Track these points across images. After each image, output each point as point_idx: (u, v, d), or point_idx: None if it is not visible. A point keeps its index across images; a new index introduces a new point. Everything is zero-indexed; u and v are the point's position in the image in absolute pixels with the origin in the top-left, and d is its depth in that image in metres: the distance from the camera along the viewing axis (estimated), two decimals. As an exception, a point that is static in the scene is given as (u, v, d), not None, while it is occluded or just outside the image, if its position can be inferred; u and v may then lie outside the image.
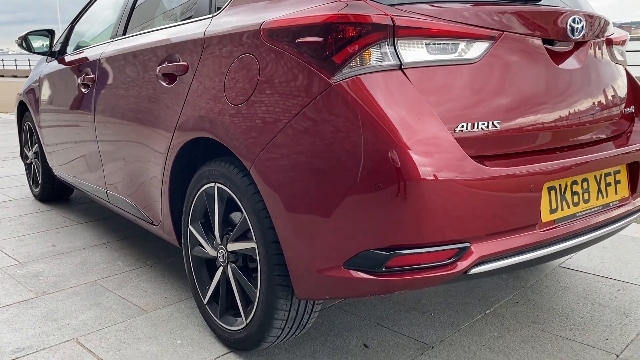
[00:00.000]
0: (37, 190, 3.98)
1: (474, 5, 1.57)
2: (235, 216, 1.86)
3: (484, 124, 1.52)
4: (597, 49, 1.87)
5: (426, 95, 1.46)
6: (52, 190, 3.86)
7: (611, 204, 1.83)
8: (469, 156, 1.45)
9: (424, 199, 1.38)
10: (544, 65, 1.67)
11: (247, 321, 1.78)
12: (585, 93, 1.79)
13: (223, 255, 1.87)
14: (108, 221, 3.48)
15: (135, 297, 2.36)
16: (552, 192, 1.64)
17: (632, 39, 2.18)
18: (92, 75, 2.73)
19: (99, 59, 2.68)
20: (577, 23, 1.70)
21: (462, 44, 1.52)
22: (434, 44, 1.49)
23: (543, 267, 2.61)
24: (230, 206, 1.84)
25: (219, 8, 1.94)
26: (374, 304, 2.25)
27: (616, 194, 1.85)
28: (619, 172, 1.87)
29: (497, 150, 1.56)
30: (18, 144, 6.63)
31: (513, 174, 1.50)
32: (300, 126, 1.50)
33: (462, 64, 1.52)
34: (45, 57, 3.65)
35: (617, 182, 1.86)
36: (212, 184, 1.86)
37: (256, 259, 1.71)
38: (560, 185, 1.66)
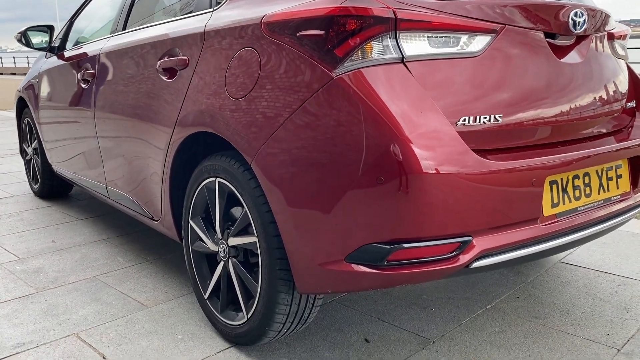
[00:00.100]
0: (36, 186, 3.97)
1: (475, -1, 1.57)
2: (236, 211, 1.86)
3: (485, 118, 1.52)
4: (598, 43, 1.87)
5: (428, 88, 1.45)
6: (51, 187, 3.85)
7: (612, 198, 1.83)
8: (471, 150, 1.44)
9: (426, 193, 1.38)
10: (546, 59, 1.66)
11: (248, 316, 1.77)
12: (587, 87, 1.78)
13: (224, 249, 1.87)
14: (108, 217, 3.47)
15: (136, 292, 2.35)
16: (554, 186, 1.63)
17: (631, 37, 2.18)
18: (92, 71, 2.72)
19: (99, 54, 2.67)
20: (579, 17, 1.70)
21: (464, 38, 1.52)
22: (436, 37, 1.49)
23: (543, 262, 2.61)
24: (231, 201, 1.84)
25: (219, 2, 1.93)
26: (375, 298, 2.25)
27: (617, 188, 1.85)
28: (620, 166, 1.87)
29: (499, 144, 1.56)
30: (17, 141, 6.63)
31: (515, 167, 1.50)
32: (302, 120, 1.50)
33: (464, 58, 1.52)
34: (44, 52, 3.63)
35: (619, 176, 1.86)
36: (213, 179, 1.86)
37: (257, 254, 1.71)
38: (562, 179, 1.65)
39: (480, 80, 1.53)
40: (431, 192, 1.38)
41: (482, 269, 1.53)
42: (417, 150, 1.37)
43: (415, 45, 1.46)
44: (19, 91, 4.00)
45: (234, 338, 1.87)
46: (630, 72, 2.07)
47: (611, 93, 1.88)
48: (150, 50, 2.21)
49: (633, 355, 1.82)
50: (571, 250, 2.73)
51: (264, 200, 1.64)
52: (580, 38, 1.78)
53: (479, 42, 1.54)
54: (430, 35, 1.48)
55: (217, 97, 1.77)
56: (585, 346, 1.88)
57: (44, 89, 3.50)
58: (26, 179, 4.30)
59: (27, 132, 4.03)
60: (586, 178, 1.74)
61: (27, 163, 4.12)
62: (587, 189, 1.74)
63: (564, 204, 1.67)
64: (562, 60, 1.71)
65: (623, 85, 1.96)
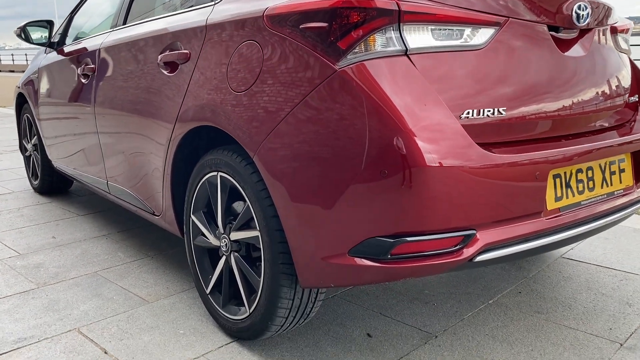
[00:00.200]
0: (36, 182, 3.96)
1: (479, -9, 1.56)
2: (238, 205, 1.85)
3: (489, 111, 1.51)
4: (601, 36, 1.86)
5: (431, 81, 1.45)
6: (51, 183, 3.85)
7: (615, 192, 1.82)
8: (476, 143, 1.44)
9: (429, 186, 1.37)
10: (550, 52, 1.66)
11: (251, 310, 1.77)
12: (591, 81, 1.77)
13: (226, 244, 1.86)
14: (108, 213, 3.46)
15: (137, 287, 2.35)
16: (557, 180, 1.63)
17: (632, 34, 2.17)
18: (92, 66, 2.71)
19: (99, 49, 2.66)
20: (583, 10, 1.69)
21: (467, 30, 1.51)
22: (440, 29, 1.48)
23: (545, 257, 2.61)
24: (233, 195, 1.83)
25: (221, -5, 1.92)
26: (377, 294, 2.24)
27: (621, 182, 1.85)
28: (623, 160, 1.86)
29: (502, 138, 1.55)
30: (16, 137, 6.62)
31: (519, 161, 1.49)
32: (304, 113, 1.49)
33: (467, 50, 1.51)
34: (44, 48, 3.62)
35: (622, 170, 1.86)
36: (215, 173, 1.85)
37: (259, 248, 1.70)
38: (565, 173, 1.65)
39: (483, 74, 1.53)
40: (435, 185, 1.37)
41: (486, 263, 1.53)
42: (420, 144, 1.37)
43: (418, 37, 1.45)
44: (19, 87, 3.99)
45: (236, 333, 1.87)
46: (633, 67, 2.06)
47: (614, 87, 1.88)
48: (151, 45, 2.20)
49: (636, 349, 1.82)
50: (572, 246, 2.73)
51: (267, 194, 1.64)
52: (584, 31, 1.78)
53: (483, 35, 1.53)
54: (433, 27, 1.47)
55: (219, 90, 1.76)
56: (588, 341, 1.88)
57: (44, 85, 3.48)
58: (26, 175, 4.29)
59: (26, 128, 4.02)
60: (589, 172, 1.73)
61: (27, 159, 4.11)
62: (591, 182, 1.74)
63: (567, 197, 1.66)
64: (566, 53, 1.70)
65: (626, 79, 1.96)
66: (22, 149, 4.16)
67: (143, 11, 2.54)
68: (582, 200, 1.71)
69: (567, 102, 1.68)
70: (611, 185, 1.81)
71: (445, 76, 1.47)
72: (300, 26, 1.51)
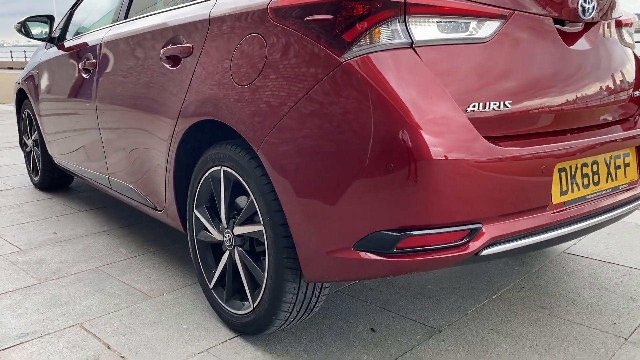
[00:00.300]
0: (36, 178, 3.95)
1: (485, -16, 1.55)
2: (242, 200, 1.84)
3: (495, 104, 1.50)
4: (606, 30, 1.85)
5: (437, 74, 1.44)
6: (52, 179, 3.83)
7: (620, 187, 1.82)
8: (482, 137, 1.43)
9: (435, 180, 1.36)
10: (555, 45, 1.65)
11: (255, 305, 1.76)
12: (596, 75, 1.77)
13: (229, 239, 1.85)
14: (109, 209, 3.45)
15: (139, 283, 2.34)
16: (563, 174, 1.62)
17: (636, 31, 2.16)
18: (94, 60, 2.69)
19: (101, 44, 2.65)
20: (588, 3, 1.68)
21: (473, 23, 1.50)
22: (445, 22, 1.47)
23: (548, 253, 2.61)
24: (236, 189, 1.82)
25: (224, -11, 1.91)
26: (380, 289, 2.24)
27: (625, 177, 1.84)
28: (628, 155, 1.86)
29: (508, 131, 1.54)
30: (16, 134, 6.60)
31: (526, 155, 1.48)
32: (309, 106, 1.48)
33: (473, 43, 1.50)
34: (44, 43, 3.60)
35: (627, 165, 1.85)
36: (218, 168, 1.84)
37: (263, 242, 1.70)
38: (570, 166, 1.64)
39: (489, 67, 1.52)
40: (441, 178, 1.37)
41: (492, 257, 1.52)
42: (426, 137, 1.36)
43: (424, 30, 1.44)
44: (18, 83, 3.97)
45: (240, 327, 1.86)
46: (638, 61, 2.05)
47: (619, 81, 1.87)
48: (153, 39, 2.19)
49: (640, 344, 1.82)
50: (575, 241, 2.72)
51: (271, 188, 1.63)
52: (589, 25, 1.77)
53: (488, 28, 1.52)
54: (439, 20, 1.46)
55: (222, 84, 1.75)
56: (593, 335, 1.87)
57: (44, 80, 3.47)
58: (26, 171, 4.28)
59: (26, 124, 4.00)
60: (594, 166, 1.73)
61: (27, 155, 4.10)
62: (596, 177, 1.73)
63: (572, 192, 1.65)
64: (571, 47, 1.70)
65: (630, 73, 1.95)
66: (22, 144, 4.15)
67: (145, 5, 2.53)
68: (588, 195, 1.70)
69: (572, 95, 1.68)
70: (616, 179, 1.80)
71: (450, 69, 1.46)
72: (305, 18, 1.50)
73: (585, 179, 1.70)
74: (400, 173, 1.37)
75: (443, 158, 1.36)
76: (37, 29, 3.46)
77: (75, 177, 3.84)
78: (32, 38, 3.46)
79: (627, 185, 1.84)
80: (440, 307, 2.08)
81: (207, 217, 1.96)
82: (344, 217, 1.46)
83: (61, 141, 3.28)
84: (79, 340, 1.88)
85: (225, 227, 1.87)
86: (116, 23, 2.62)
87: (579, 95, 1.69)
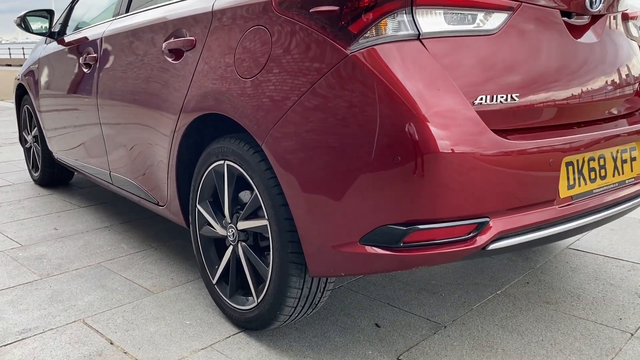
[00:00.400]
0: (36, 174, 3.93)
1: (492, -25, 1.53)
2: (245, 194, 1.83)
3: (502, 97, 1.48)
4: (612, 23, 1.84)
5: (444, 66, 1.42)
6: (52, 175, 3.81)
7: (627, 181, 1.81)
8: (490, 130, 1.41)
9: (442, 173, 1.35)
10: (562, 38, 1.63)
11: (259, 300, 1.75)
12: (603, 68, 1.75)
13: (233, 234, 1.84)
14: (110, 205, 3.44)
15: (141, 278, 2.32)
16: (570, 168, 1.61)
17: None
18: (94, 55, 2.67)
19: (102, 38, 2.63)
20: (595, -5, 1.66)
21: (480, 15, 1.48)
22: (453, 13, 1.45)
23: (551, 248, 2.60)
24: (240, 184, 1.81)
25: (227, -19, 1.89)
26: (384, 284, 2.23)
27: (632, 171, 1.83)
28: (634, 149, 1.84)
29: (515, 124, 1.53)
30: (15, 130, 6.58)
31: (534, 148, 1.47)
32: (315, 99, 1.46)
33: (480, 35, 1.48)
34: (44, 38, 3.58)
35: (633, 159, 1.84)
36: (222, 162, 1.83)
37: (268, 237, 1.68)
38: (577, 160, 1.63)
39: (496, 59, 1.50)
40: (448, 172, 1.35)
41: (499, 251, 1.51)
42: (433, 130, 1.34)
43: (431, 21, 1.42)
44: (18, 78, 3.95)
45: (244, 323, 1.85)
46: (644, 54, 2.04)
47: (626, 75, 1.85)
48: (155, 32, 2.17)
49: (647, 339, 1.81)
50: (579, 237, 2.71)
51: (275, 182, 1.61)
52: (596, 17, 1.75)
53: (496, 20, 1.50)
54: (446, 11, 1.44)
55: (226, 77, 1.73)
56: (599, 331, 1.86)
57: (44, 75, 3.45)
58: (26, 167, 4.25)
59: (26, 119, 3.98)
60: (601, 160, 1.71)
61: (27, 151, 4.07)
62: (602, 171, 1.72)
63: (579, 185, 1.64)
64: (578, 40, 1.68)
65: (637, 67, 1.93)
66: (22, 140, 4.13)
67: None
68: (594, 189, 1.69)
69: (579, 89, 1.66)
70: (622, 173, 1.79)
71: (458, 61, 1.45)
72: (310, 10, 1.49)
73: (592, 173, 1.68)
74: (407, 166, 1.35)
75: (450, 151, 1.35)
76: (37, 24, 3.43)
77: (75, 173, 3.82)
78: (32, 33, 3.44)
79: (633, 179, 1.83)
80: (444, 303, 2.07)
81: (210, 212, 1.95)
82: (350, 211, 1.45)
83: (62, 137, 3.26)
84: (81, 336, 1.87)
85: (229, 222, 1.85)
86: (117, 17, 2.60)
87: (585, 88, 1.68)
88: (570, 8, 1.64)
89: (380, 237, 1.43)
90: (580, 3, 1.64)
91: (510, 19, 1.52)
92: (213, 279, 1.97)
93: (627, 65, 1.87)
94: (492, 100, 1.46)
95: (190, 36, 1.94)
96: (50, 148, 3.55)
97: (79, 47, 2.90)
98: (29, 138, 3.96)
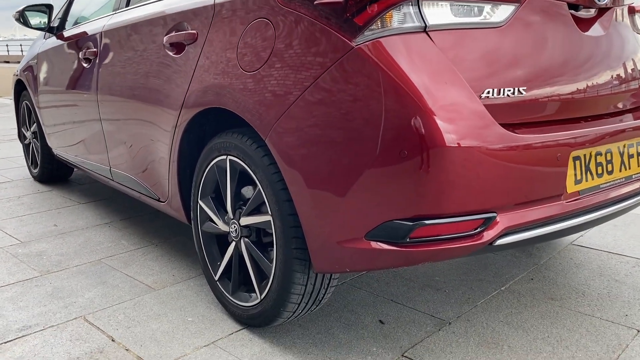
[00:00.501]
0: (36, 171, 3.90)
1: (499, -33, 1.51)
2: (248, 190, 1.80)
3: (510, 90, 1.46)
4: (619, 16, 1.82)
5: (451, 59, 1.40)
6: (51, 171, 3.79)
7: (634, 176, 1.79)
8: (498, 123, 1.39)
9: (449, 167, 1.33)
10: (569, 31, 1.61)
11: (262, 297, 1.73)
12: (610, 61, 1.73)
13: (236, 230, 1.82)
14: (110, 201, 3.41)
15: (142, 275, 2.30)
16: (577, 162, 1.59)
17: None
18: (94, 50, 2.65)
19: (101, 32, 2.60)
20: (603, -12, 1.64)
21: (487, 7, 1.46)
22: (459, 5, 1.43)
23: (555, 244, 2.58)
24: (243, 179, 1.78)
25: (229, -26, 1.86)
26: (387, 280, 2.21)
27: (638, 166, 1.81)
28: (641, 143, 1.82)
29: (522, 118, 1.51)
30: (13, 127, 6.55)
31: (541, 142, 1.45)
32: (320, 92, 1.44)
33: (487, 28, 1.46)
34: (43, 33, 3.55)
35: (640, 154, 1.82)
36: (224, 157, 1.80)
37: (271, 233, 1.66)
38: (585, 155, 1.61)
39: (503, 52, 1.48)
40: (455, 166, 1.33)
41: (506, 247, 1.49)
42: (440, 123, 1.32)
43: (438, 13, 1.40)
44: (17, 74, 3.92)
45: (247, 320, 1.83)
46: (650, 48, 2.02)
47: (632, 69, 1.83)
48: (157, 26, 2.14)
49: (653, 335, 1.80)
50: (582, 233, 2.70)
51: (279, 177, 1.59)
52: (602, 10, 1.73)
53: (503, 12, 1.48)
54: (453, 3, 1.42)
55: (228, 71, 1.71)
56: (605, 327, 1.84)
57: (44, 71, 3.42)
58: (25, 164, 4.23)
59: (25, 115, 3.95)
60: (608, 155, 1.69)
61: (26, 147, 4.05)
62: (609, 165, 1.70)
63: (586, 180, 1.62)
64: (585, 33, 1.66)
65: (643, 61, 1.91)
66: (21, 137, 4.10)
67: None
68: (602, 184, 1.67)
69: (586, 82, 1.64)
70: (629, 168, 1.77)
71: (464, 54, 1.42)
72: (315, 2, 1.46)
73: (600, 168, 1.66)
74: (413, 161, 1.33)
75: (457, 145, 1.33)
76: (36, 19, 3.40)
77: (75, 170, 3.80)
78: (31, 28, 3.40)
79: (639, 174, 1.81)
80: (449, 299, 2.05)
81: (212, 208, 1.92)
82: (355, 206, 1.43)
83: (61, 133, 3.23)
84: (82, 332, 1.85)
85: (232, 217, 1.83)
86: (117, 11, 2.57)
87: (592, 82, 1.66)
88: (578, 1, 1.62)
89: (385, 232, 1.41)
90: (588, -5, 1.62)
91: (517, 12, 1.49)
92: (215, 276, 1.95)
93: (633, 59, 1.85)
94: (499, 93, 1.44)
95: (191, 29, 1.92)
96: (49, 144, 3.52)
97: (79, 42, 2.87)
98: (28, 134, 3.93)
